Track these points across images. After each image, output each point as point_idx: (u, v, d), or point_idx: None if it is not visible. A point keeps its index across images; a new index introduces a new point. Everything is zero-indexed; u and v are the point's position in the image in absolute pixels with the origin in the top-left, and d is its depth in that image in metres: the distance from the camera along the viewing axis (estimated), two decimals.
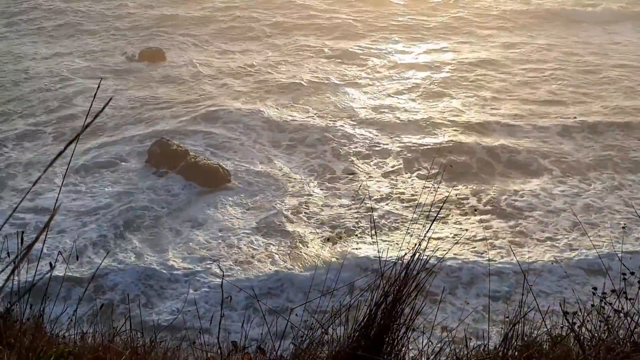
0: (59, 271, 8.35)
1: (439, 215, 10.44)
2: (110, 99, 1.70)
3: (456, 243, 10.12)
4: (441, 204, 10.27)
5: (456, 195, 11.78)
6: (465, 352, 3.41)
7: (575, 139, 14.56)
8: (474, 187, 12.24)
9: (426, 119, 15.59)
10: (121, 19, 25.36)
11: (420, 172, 12.86)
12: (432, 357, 3.28)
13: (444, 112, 16.15)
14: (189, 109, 16.53)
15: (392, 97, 17.41)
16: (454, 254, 9.86)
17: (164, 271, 9.53)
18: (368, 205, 11.37)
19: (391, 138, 14.47)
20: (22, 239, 2.88)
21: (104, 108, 1.46)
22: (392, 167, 13.13)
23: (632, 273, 3.57)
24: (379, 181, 12.50)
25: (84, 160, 13.27)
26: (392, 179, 12.61)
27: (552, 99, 17.19)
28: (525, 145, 14.07)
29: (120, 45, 22.27)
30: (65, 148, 1.35)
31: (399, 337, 3.16)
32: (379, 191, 12.06)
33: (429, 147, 13.94)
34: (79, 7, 26.61)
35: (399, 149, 13.89)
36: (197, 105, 16.83)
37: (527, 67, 19.86)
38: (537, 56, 20.95)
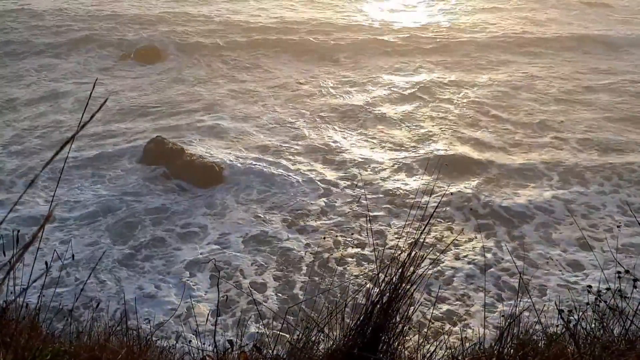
0: (55, 271, 8.33)
1: (435, 213, 10.45)
2: (107, 100, 1.70)
3: (453, 240, 10.13)
4: (437, 203, 10.28)
5: (453, 195, 11.78)
6: (461, 351, 3.42)
7: None
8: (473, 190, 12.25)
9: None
10: (117, 16, 25.27)
11: (417, 173, 12.87)
12: (427, 356, 3.29)
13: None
14: (185, 107, 16.50)
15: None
16: (451, 252, 9.87)
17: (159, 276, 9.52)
18: (366, 205, 11.38)
19: None
20: (17, 239, 2.87)
21: (100, 108, 1.46)
22: (389, 169, 13.15)
23: (627, 271, 3.58)
24: (377, 183, 12.50)
25: (80, 159, 13.22)
26: (390, 179, 12.62)
27: None
28: None
29: (116, 43, 22.19)
30: (61, 148, 1.34)
31: (395, 336, 3.17)
32: (376, 193, 12.06)
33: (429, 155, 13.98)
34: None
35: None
36: (194, 103, 16.80)
37: None
38: None
